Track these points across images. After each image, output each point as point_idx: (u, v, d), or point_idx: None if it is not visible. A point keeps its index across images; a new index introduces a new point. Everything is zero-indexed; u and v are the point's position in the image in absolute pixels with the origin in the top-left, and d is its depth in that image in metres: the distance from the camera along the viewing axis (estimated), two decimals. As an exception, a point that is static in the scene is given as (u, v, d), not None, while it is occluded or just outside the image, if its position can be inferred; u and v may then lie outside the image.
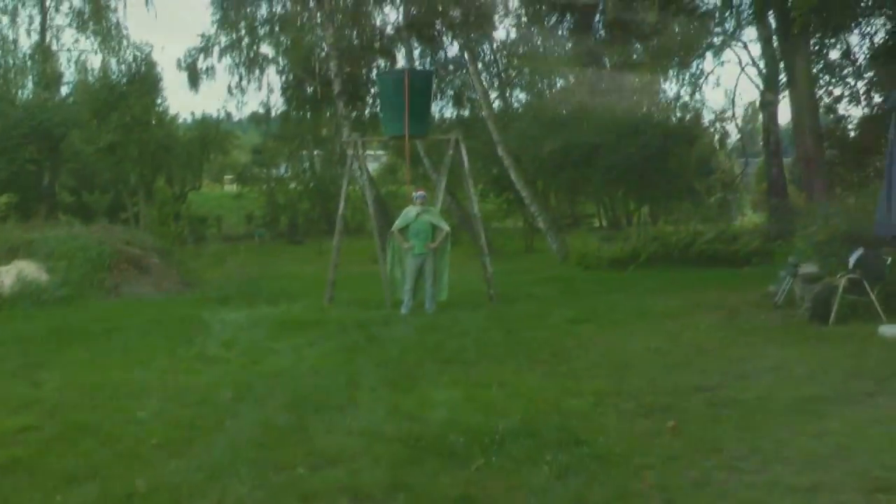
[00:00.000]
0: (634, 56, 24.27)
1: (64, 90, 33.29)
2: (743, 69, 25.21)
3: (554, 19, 24.68)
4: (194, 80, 31.52)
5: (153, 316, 10.97)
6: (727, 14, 24.00)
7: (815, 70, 21.53)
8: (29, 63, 36.08)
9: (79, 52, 35.32)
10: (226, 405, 6.18)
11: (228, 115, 33.96)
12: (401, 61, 27.46)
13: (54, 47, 36.93)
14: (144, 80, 26.08)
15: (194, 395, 6.54)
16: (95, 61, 37.86)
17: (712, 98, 53.28)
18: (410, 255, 11.76)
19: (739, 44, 25.21)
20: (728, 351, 8.31)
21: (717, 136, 36.03)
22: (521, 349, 8.58)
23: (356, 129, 22.63)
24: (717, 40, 25.10)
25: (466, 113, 33.72)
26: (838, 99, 22.93)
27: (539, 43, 33.58)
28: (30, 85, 34.64)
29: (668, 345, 8.71)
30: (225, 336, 9.54)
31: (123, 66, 26.98)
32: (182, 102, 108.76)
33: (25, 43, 34.89)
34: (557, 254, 22.65)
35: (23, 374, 7.51)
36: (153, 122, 25.27)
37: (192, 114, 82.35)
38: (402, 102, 12.51)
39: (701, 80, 27.52)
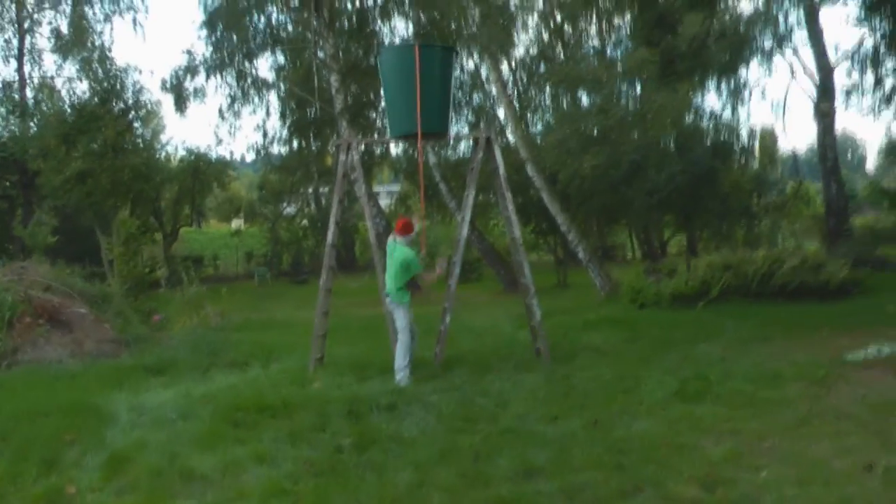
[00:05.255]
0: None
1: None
2: (794, 76, 21.92)
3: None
4: (180, 102, 28.32)
5: (30, 403, 6.87)
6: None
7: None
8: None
9: (63, 79, 32.51)
10: None
11: (220, 142, 30.80)
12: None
13: (34, 74, 34.20)
14: (119, 100, 22.75)
15: None
16: (80, 88, 35.06)
17: (756, 112, 50.43)
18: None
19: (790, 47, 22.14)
20: None
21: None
22: (634, 468, 4.74)
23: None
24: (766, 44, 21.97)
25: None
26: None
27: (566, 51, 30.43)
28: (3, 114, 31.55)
29: (883, 452, 4.94)
30: (125, 441, 5.66)
31: (96, 87, 23.65)
32: (178, 134, 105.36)
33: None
34: (601, 289, 19.12)
35: None
36: (128, 147, 21.82)
37: (183, 142, 79.72)
38: (413, 88, 8.97)
39: (747, 91, 24.41)
